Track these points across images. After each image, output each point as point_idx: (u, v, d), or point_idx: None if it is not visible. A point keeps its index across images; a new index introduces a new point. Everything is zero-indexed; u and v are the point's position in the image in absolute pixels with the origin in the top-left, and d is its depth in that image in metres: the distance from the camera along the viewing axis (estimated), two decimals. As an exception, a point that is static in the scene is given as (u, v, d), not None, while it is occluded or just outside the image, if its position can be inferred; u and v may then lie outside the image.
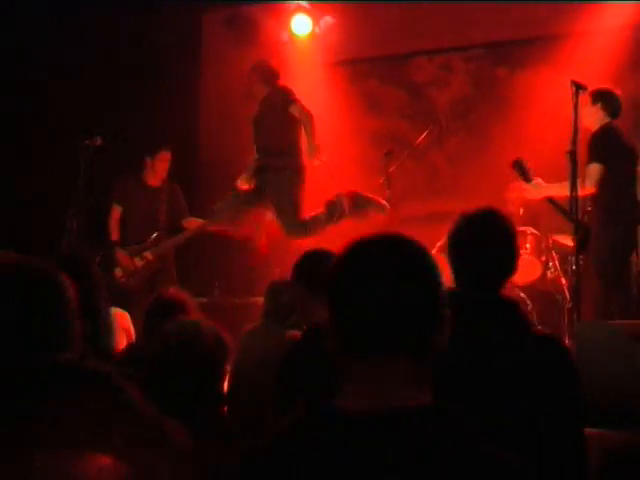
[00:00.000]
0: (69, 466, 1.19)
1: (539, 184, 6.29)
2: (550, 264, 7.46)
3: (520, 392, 2.35)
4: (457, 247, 2.67)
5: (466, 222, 2.68)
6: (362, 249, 1.58)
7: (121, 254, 7.01)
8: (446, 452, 1.44)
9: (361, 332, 1.52)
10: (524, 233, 7.47)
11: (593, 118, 6.16)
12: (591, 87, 5.84)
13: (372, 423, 1.46)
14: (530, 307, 7.16)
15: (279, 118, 7.02)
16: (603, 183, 5.98)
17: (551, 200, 5.71)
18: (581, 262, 5.55)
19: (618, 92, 6.32)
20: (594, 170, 5.97)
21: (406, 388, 1.52)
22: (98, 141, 6.35)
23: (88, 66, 8.33)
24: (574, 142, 5.37)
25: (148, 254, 7.04)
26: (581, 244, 5.33)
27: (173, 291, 4.06)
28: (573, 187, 5.24)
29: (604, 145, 6.08)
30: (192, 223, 7.29)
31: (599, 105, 6.17)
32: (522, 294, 7.22)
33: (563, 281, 7.34)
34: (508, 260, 2.69)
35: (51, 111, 8.05)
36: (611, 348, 4.66)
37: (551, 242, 7.46)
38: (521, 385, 2.36)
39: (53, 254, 5.41)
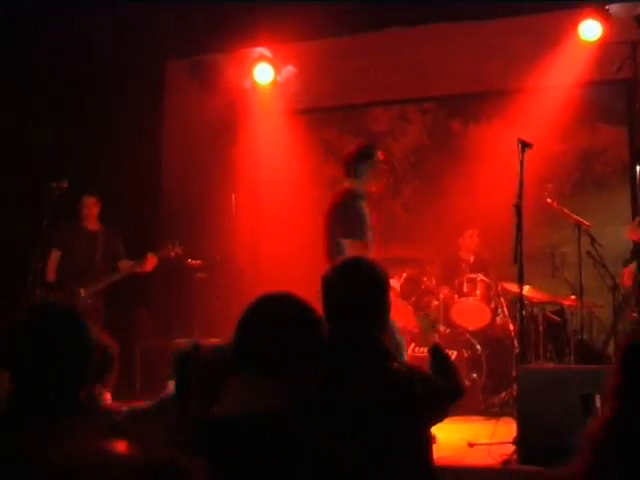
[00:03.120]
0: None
1: None
2: (499, 310, 7.69)
3: (376, 419, 2.63)
4: (325, 292, 2.90)
5: (334, 270, 2.95)
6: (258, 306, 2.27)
7: (55, 294, 7.16)
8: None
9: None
10: (474, 280, 7.71)
11: None
12: (538, 142, 5.97)
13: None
14: (480, 351, 7.37)
15: None
16: None
17: None
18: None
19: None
20: None
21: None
22: (64, 184, 6.52)
23: (53, 109, 8.47)
24: (519, 196, 5.58)
25: (80, 291, 7.27)
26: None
27: None
28: (518, 239, 5.46)
29: None
30: (126, 264, 7.54)
31: None
32: (472, 339, 7.44)
33: (511, 327, 7.56)
34: (373, 302, 2.89)
35: (14, 154, 8.18)
36: (549, 391, 4.86)
37: (500, 289, 7.69)
38: (378, 413, 2.63)
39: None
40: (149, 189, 8.37)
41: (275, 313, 2.24)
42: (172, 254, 7.46)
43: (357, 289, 2.87)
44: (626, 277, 6.90)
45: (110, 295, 7.57)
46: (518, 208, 5.52)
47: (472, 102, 9.27)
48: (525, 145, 5.57)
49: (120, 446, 1.03)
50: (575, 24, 7.82)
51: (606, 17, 7.70)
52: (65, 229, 7.59)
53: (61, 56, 8.34)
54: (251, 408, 2.02)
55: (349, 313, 2.83)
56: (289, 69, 9.30)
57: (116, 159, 8.38)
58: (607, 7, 7.71)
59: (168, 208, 9.24)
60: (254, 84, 9.15)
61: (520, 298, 5.64)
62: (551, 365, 7.01)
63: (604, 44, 7.83)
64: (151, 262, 7.34)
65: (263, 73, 8.99)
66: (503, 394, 7.10)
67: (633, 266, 6.60)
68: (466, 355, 7.38)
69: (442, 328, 7.54)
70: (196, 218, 7.80)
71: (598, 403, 4.62)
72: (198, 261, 8.31)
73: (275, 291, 2.34)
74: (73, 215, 7.64)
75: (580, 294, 6.83)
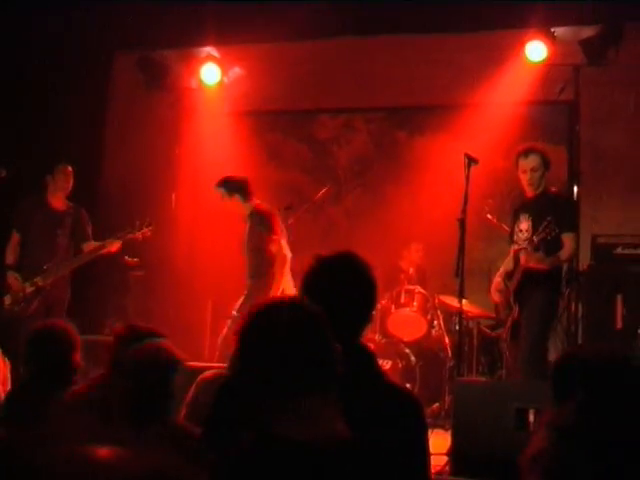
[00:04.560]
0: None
1: None
2: (435, 323, 7.75)
3: (373, 440, 2.27)
4: (311, 292, 2.52)
5: (322, 266, 2.57)
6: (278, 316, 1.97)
7: (12, 278, 6.84)
8: None
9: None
10: (412, 292, 7.76)
11: (541, 181, 6.03)
12: (482, 158, 6.01)
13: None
14: (414, 363, 7.41)
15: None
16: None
17: None
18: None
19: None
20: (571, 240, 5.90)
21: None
22: (2, 173, 6.33)
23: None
24: (464, 211, 5.63)
25: (38, 280, 6.82)
26: None
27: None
28: (461, 253, 5.51)
29: (574, 212, 6.21)
30: (90, 246, 7.11)
31: (544, 169, 6.01)
32: (407, 349, 7.48)
33: (446, 340, 7.63)
34: (366, 306, 2.57)
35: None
36: (484, 405, 4.92)
37: (437, 302, 7.75)
38: (374, 433, 2.29)
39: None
40: (88, 181, 8.19)
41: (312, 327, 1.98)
42: (139, 236, 6.96)
43: (349, 289, 2.52)
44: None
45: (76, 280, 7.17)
46: (462, 223, 5.58)
47: (418, 114, 9.34)
48: (471, 160, 5.64)
49: (105, 452, 1.00)
50: (522, 44, 7.94)
51: (552, 39, 7.85)
52: (26, 208, 7.12)
53: (8, 47, 8.16)
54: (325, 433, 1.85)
55: (338, 316, 2.40)
56: (236, 71, 9.27)
57: (57, 147, 8.18)
58: (553, 30, 7.85)
59: (106, 201, 9.09)
60: (201, 84, 9.08)
61: (460, 312, 5.69)
62: (486, 379, 7.10)
63: (549, 65, 7.96)
64: (113, 245, 6.92)
65: (210, 73, 8.92)
66: (435, 406, 7.16)
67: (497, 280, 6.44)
68: (400, 365, 7.41)
69: (377, 337, 7.57)
70: (135, 214, 7.67)
71: (532, 417, 4.70)
72: (135, 259, 8.15)
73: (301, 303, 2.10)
74: (37, 192, 7.14)
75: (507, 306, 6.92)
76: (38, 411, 3.01)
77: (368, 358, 2.52)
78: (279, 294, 6.29)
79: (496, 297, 6.20)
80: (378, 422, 2.35)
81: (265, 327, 1.96)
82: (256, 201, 6.97)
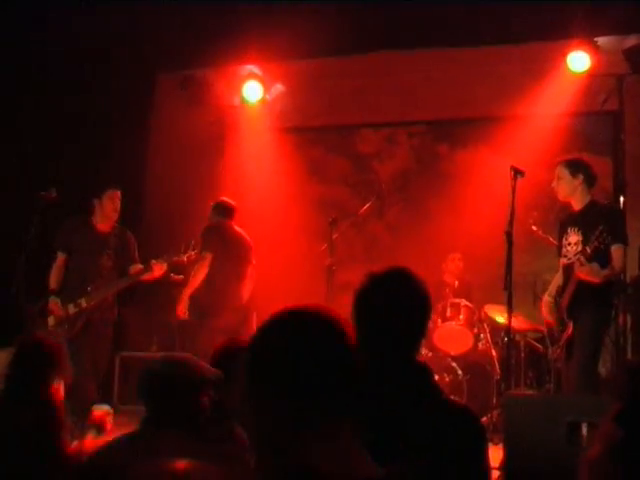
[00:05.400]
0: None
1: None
2: (482, 336, 7.70)
3: (431, 457, 2.28)
4: (366, 309, 2.50)
5: (375, 283, 2.54)
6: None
7: (53, 303, 6.80)
8: None
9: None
10: (458, 305, 7.72)
11: (579, 191, 5.93)
12: (529, 170, 5.92)
13: None
14: (461, 377, 7.37)
15: None
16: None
17: None
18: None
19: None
20: (621, 252, 5.75)
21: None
22: (53, 193, 6.38)
23: (38, 114, 8.41)
24: (511, 224, 5.59)
25: (82, 301, 6.77)
26: None
27: None
28: (509, 267, 5.47)
29: (623, 223, 5.95)
30: (136, 269, 7.02)
31: (581, 178, 5.92)
32: (453, 363, 7.44)
33: (493, 353, 7.58)
34: (421, 321, 2.54)
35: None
36: (535, 419, 4.87)
37: (483, 315, 7.71)
38: (433, 450, 2.31)
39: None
40: (132, 203, 8.28)
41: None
42: (184, 260, 6.93)
43: (404, 305, 2.49)
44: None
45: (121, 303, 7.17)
46: (509, 236, 5.54)
47: (459, 127, 9.34)
48: (517, 172, 5.60)
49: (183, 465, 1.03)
50: (564, 54, 7.88)
51: (595, 49, 7.77)
52: (71, 229, 7.02)
53: (51, 68, 8.30)
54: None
55: (395, 333, 2.45)
56: (278, 87, 9.34)
57: (102, 171, 8.28)
58: (596, 39, 7.79)
59: (151, 223, 9.19)
60: (243, 101, 9.16)
61: (508, 325, 5.65)
62: (537, 392, 7.04)
63: (592, 76, 7.90)
64: (159, 269, 6.83)
65: (252, 91, 8.99)
66: (484, 419, 7.10)
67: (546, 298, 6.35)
68: (447, 379, 7.38)
69: (424, 352, 7.54)
70: (179, 233, 7.73)
71: (585, 431, 4.64)
72: (180, 276, 8.21)
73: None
74: (83, 213, 7.04)
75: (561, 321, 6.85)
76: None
77: (425, 374, 2.50)
78: None
79: (548, 317, 6.11)
80: (437, 438, 2.33)
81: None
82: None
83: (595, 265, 5.54)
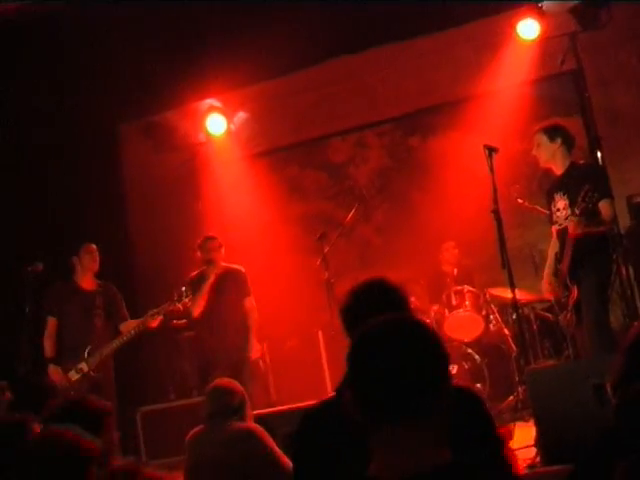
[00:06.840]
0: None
1: None
2: (491, 317, 7.68)
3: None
4: (351, 323, 2.67)
5: (354, 298, 2.73)
6: (374, 332, 1.83)
7: (53, 372, 6.75)
8: None
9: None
10: (461, 291, 7.70)
11: (559, 155, 5.99)
12: (499, 145, 5.90)
13: None
14: (479, 361, 7.34)
15: None
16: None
17: None
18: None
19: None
20: (608, 205, 5.76)
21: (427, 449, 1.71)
22: (39, 267, 6.37)
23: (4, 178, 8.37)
24: (495, 201, 5.60)
25: (83, 366, 6.75)
26: None
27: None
28: (502, 244, 5.47)
29: (606, 179, 5.98)
30: (129, 325, 6.96)
31: (559, 141, 5.98)
32: (469, 350, 7.42)
33: (506, 331, 7.56)
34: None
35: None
36: (560, 388, 4.85)
37: (488, 296, 7.68)
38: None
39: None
40: (117, 254, 8.21)
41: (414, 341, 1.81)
42: (179, 307, 6.89)
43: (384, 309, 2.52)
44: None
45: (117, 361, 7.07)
46: (496, 214, 5.55)
47: (427, 117, 9.33)
48: (491, 150, 5.62)
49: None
50: (512, 25, 7.89)
51: (541, 14, 7.80)
52: (56, 294, 7.02)
53: (13, 128, 8.26)
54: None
55: None
56: (241, 115, 9.34)
57: (82, 232, 8.21)
58: (540, 4, 7.82)
59: (141, 273, 9.15)
60: (208, 135, 9.13)
61: (514, 301, 5.64)
62: (557, 361, 7.02)
63: (544, 40, 7.92)
64: (154, 322, 6.81)
65: (215, 123, 8.96)
66: (511, 398, 7.08)
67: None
68: (466, 367, 7.35)
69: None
70: (169, 278, 7.70)
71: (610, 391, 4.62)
72: (183, 320, 8.17)
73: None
74: (67, 277, 7.06)
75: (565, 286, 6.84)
76: None
77: None
78: None
79: (554, 290, 6.11)
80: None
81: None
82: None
83: (586, 221, 5.59)
